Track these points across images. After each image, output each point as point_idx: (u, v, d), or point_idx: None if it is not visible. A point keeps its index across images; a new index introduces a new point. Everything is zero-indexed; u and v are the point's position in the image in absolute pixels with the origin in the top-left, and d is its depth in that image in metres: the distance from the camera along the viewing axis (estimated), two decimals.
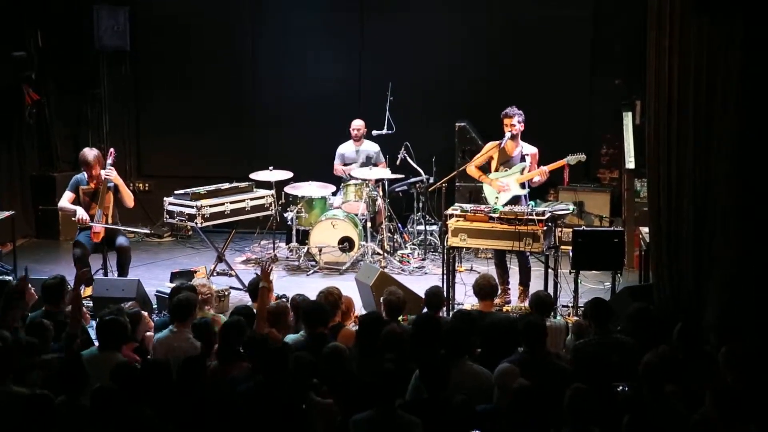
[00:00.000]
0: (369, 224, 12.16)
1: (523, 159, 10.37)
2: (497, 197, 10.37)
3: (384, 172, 12.46)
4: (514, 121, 10.26)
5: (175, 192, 11.49)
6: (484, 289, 8.31)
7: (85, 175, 10.56)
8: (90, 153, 10.60)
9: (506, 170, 10.40)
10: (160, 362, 6.51)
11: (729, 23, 7.88)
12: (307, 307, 7.47)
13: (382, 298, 8.11)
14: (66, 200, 10.56)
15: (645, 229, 9.80)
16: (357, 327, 7.71)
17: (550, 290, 9.66)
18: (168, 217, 11.49)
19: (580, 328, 7.60)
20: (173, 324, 7.47)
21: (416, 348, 6.77)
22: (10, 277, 10.05)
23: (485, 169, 10.59)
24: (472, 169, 10.59)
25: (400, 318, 8.06)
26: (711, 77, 8.02)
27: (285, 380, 6.05)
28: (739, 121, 7.91)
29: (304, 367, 6.12)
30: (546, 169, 10.27)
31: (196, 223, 11.13)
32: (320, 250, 12.00)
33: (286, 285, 10.92)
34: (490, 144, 10.58)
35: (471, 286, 8.71)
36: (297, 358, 6.18)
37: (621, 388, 6.16)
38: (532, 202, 10.16)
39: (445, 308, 9.02)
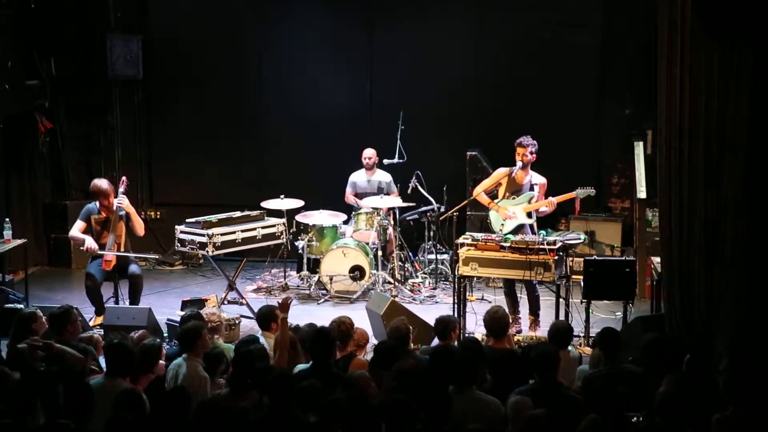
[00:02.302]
0: (380, 253, 12.16)
1: (531, 188, 10.38)
2: (503, 224, 10.38)
3: (395, 201, 12.47)
4: (527, 151, 10.28)
5: (187, 220, 11.50)
6: (492, 327, 8.19)
7: (97, 204, 10.60)
8: (103, 183, 10.66)
9: (514, 198, 10.41)
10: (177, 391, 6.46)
11: (738, 50, 7.90)
12: (310, 336, 7.43)
13: (388, 328, 8.10)
14: (77, 229, 10.60)
15: (657, 259, 9.77)
16: (371, 356, 7.71)
17: (562, 320, 9.63)
18: (179, 245, 11.49)
19: (598, 361, 7.53)
20: (185, 353, 7.43)
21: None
22: (22, 305, 10.06)
23: (492, 195, 10.60)
24: (481, 195, 10.60)
25: (411, 346, 8.05)
26: (722, 105, 8.03)
27: (291, 408, 6.02)
28: (751, 149, 7.91)
29: (312, 396, 6.08)
30: (554, 200, 10.28)
31: (208, 252, 11.13)
32: (331, 279, 11.99)
33: (297, 314, 10.86)
34: (501, 171, 10.60)
35: (482, 317, 8.66)
36: (304, 387, 6.13)
37: (636, 418, 6.13)
38: (543, 232, 10.15)
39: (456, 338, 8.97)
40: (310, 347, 7.26)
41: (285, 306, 7.99)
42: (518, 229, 10.31)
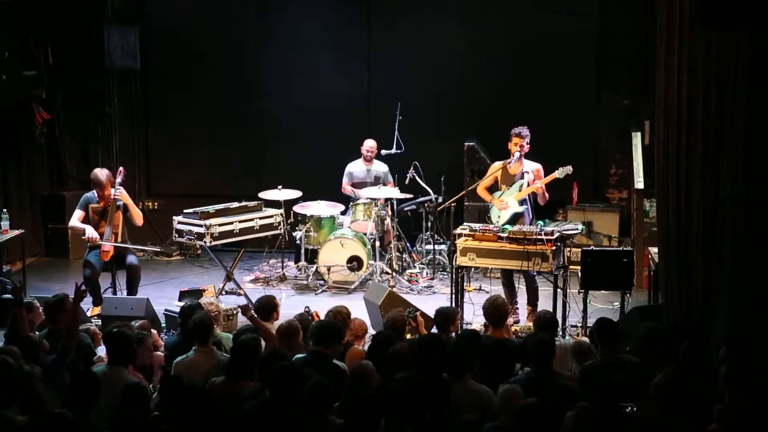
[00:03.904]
0: (377, 243, 12.15)
1: (523, 177, 10.37)
2: (499, 216, 10.40)
3: (393, 192, 12.46)
4: (524, 141, 10.29)
5: (184, 211, 11.51)
6: (492, 315, 8.18)
7: (95, 193, 10.60)
8: (102, 173, 10.65)
9: (508, 189, 10.42)
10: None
11: (737, 40, 7.89)
12: (317, 328, 7.44)
13: (384, 318, 8.11)
14: (76, 219, 10.61)
15: (654, 249, 9.78)
16: (368, 346, 7.73)
17: (559, 310, 9.65)
18: (177, 236, 11.51)
19: (581, 348, 7.56)
20: (195, 345, 7.43)
21: (420, 367, 6.74)
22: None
23: (492, 189, 10.62)
24: (481, 190, 10.64)
25: (409, 336, 8.06)
26: (720, 94, 8.02)
27: (295, 400, 6.03)
28: (748, 139, 7.91)
29: (321, 391, 6.09)
30: (539, 184, 10.25)
31: (205, 242, 11.14)
32: (329, 270, 11.99)
33: (294, 304, 10.92)
34: (496, 164, 10.63)
35: (480, 307, 8.67)
36: (315, 382, 6.13)
37: (630, 408, 6.14)
38: (541, 222, 10.16)
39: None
40: (316, 338, 7.25)
41: (245, 310, 8.19)
42: (515, 218, 10.31)
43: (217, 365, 7.17)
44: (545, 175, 10.39)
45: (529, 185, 10.32)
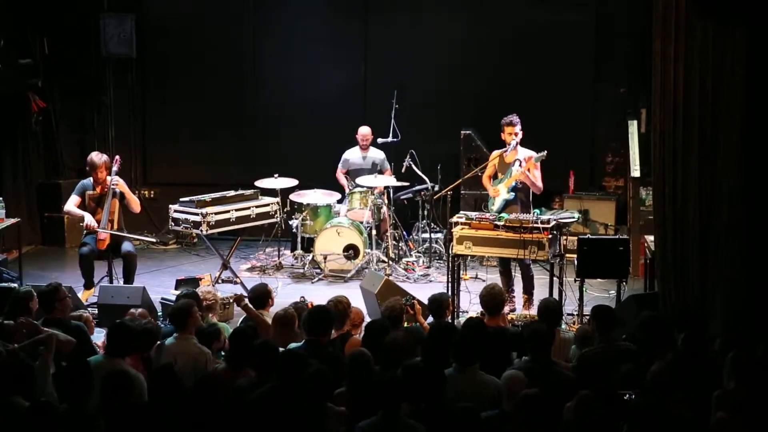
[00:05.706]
0: (374, 232, 12.16)
1: (520, 165, 10.37)
2: (493, 204, 10.42)
3: (389, 180, 12.46)
4: (516, 128, 10.29)
5: (181, 199, 11.51)
6: (489, 303, 8.18)
7: (92, 180, 10.58)
8: (98, 157, 10.64)
9: (502, 177, 10.44)
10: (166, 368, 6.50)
11: (734, 31, 7.90)
12: (308, 317, 7.44)
13: (382, 307, 8.11)
14: (72, 204, 10.58)
15: (650, 238, 9.79)
16: (362, 335, 7.74)
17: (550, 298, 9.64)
18: (173, 224, 11.51)
19: (585, 335, 7.57)
20: (177, 332, 7.47)
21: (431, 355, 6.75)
22: (16, 284, 10.05)
23: (494, 178, 10.64)
24: (485, 179, 10.65)
25: (406, 324, 8.07)
26: (716, 85, 8.04)
27: (299, 388, 6.04)
28: (745, 129, 7.93)
29: (324, 379, 6.10)
30: (521, 169, 10.23)
31: (202, 231, 11.15)
32: (325, 258, 11.99)
33: (290, 293, 10.93)
34: (494, 153, 10.64)
35: (476, 296, 8.67)
36: (318, 370, 6.14)
37: (628, 396, 6.15)
38: (537, 210, 10.17)
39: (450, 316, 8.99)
40: (309, 326, 7.25)
41: (239, 300, 8.39)
42: (506, 205, 10.31)
43: (197, 351, 7.20)
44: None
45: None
